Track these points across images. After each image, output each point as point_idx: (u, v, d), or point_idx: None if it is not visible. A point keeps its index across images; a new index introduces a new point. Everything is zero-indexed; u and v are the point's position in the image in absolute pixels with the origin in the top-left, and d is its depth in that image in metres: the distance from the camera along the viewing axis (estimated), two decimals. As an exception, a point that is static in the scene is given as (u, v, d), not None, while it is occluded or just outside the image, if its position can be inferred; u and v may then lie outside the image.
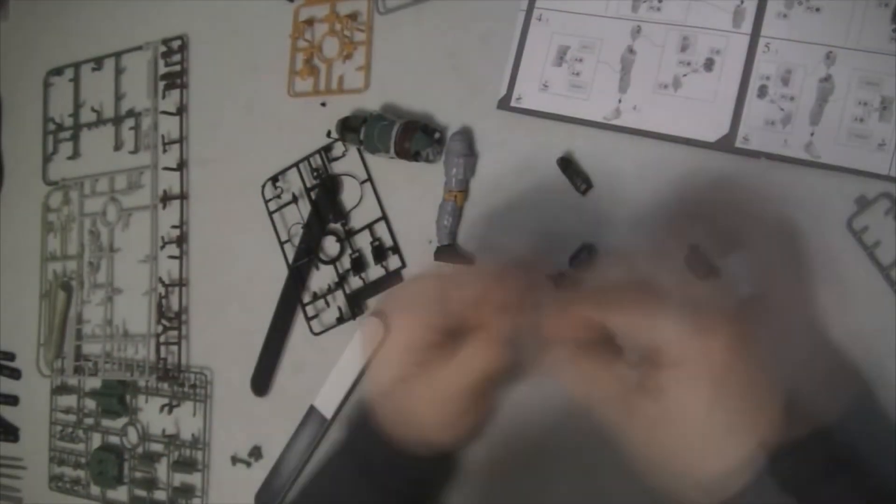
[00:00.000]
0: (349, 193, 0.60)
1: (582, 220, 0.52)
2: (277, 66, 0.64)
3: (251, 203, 0.64)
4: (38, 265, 0.77)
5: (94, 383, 0.72)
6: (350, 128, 0.58)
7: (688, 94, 0.49)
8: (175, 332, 0.67)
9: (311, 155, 0.62)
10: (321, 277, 0.61)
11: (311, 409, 0.58)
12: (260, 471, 0.62)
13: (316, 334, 0.60)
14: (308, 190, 0.61)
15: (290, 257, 0.62)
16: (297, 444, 0.59)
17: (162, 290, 0.68)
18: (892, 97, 0.43)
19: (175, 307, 0.67)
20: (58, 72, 0.78)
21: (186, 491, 0.66)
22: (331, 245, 0.60)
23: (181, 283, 0.68)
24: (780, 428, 0.35)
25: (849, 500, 0.35)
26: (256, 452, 0.63)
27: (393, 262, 0.58)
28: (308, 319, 0.60)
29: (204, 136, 0.69)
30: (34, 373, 0.76)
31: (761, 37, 0.47)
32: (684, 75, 0.49)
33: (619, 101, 0.51)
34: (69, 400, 0.74)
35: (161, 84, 0.70)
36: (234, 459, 0.64)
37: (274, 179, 0.63)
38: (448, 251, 0.55)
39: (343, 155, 0.61)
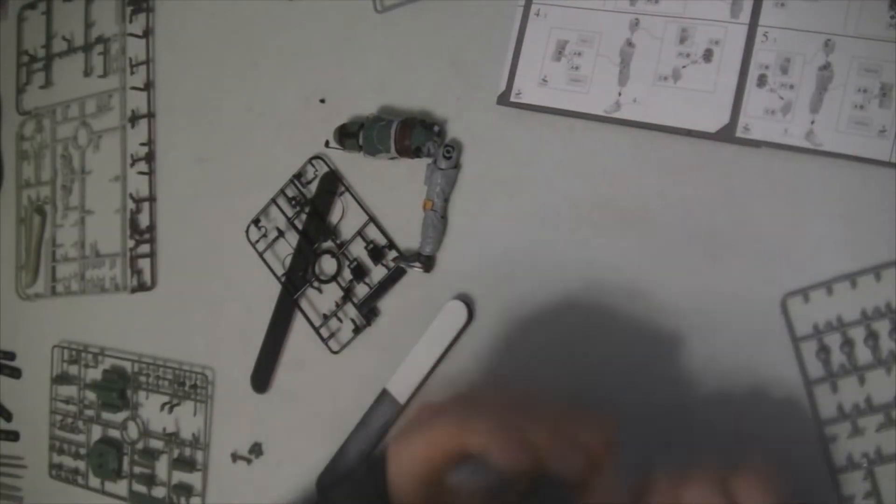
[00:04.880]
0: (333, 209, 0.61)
1: (582, 217, 0.52)
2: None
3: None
4: (14, 193, 0.80)
5: (94, 375, 0.72)
6: (348, 133, 0.58)
7: (687, 85, 0.49)
8: (147, 247, 0.70)
9: (285, 186, 0.62)
10: (327, 297, 0.60)
11: (384, 392, 0.56)
12: (260, 468, 0.62)
13: (335, 352, 0.59)
14: (291, 220, 0.62)
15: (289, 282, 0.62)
16: (368, 426, 0.57)
17: (133, 205, 0.71)
18: (892, 84, 0.43)
19: (145, 223, 0.71)
20: (31, 6, 0.81)
21: (186, 489, 0.66)
22: (329, 264, 0.61)
23: (151, 198, 0.70)
24: None
25: None
26: (257, 449, 0.63)
27: (392, 257, 0.58)
28: (325, 341, 0.59)
29: (169, 56, 0.72)
30: (16, 298, 0.79)
31: (759, 26, 0.47)
32: (683, 67, 0.49)
33: (619, 94, 0.51)
34: (69, 390, 0.74)
35: (129, 10, 0.73)
36: (235, 456, 0.64)
37: (256, 221, 0.63)
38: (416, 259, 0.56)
39: (315, 177, 0.61)
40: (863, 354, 0.43)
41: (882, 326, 0.43)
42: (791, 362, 0.45)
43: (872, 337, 0.43)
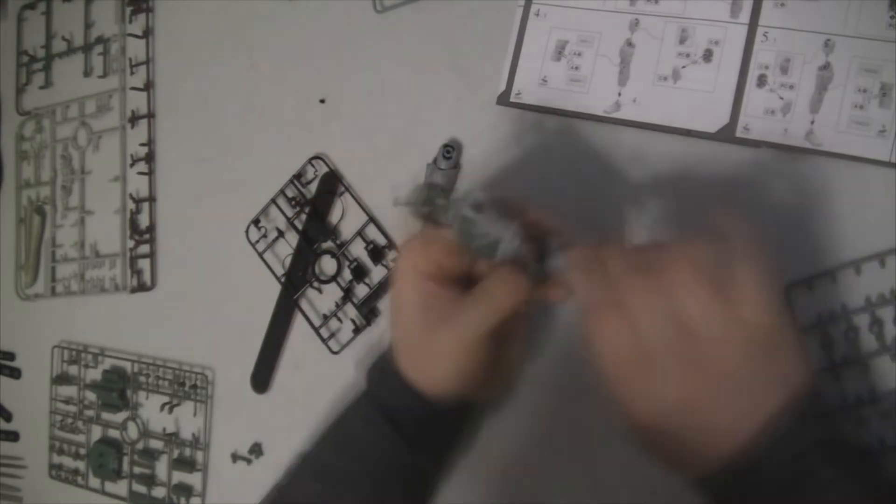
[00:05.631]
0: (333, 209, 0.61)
1: (583, 214, 0.52)
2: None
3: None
4: (14, 193, 0.80)
5: (94, 375, 0.72)
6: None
7: (687, 85, 0.49)
8: (146, 247, 0.70)
9: (285, 186, 0.62)
10: (327, 297, 0.60)
11: None
12: (260, 468, 0.62)
13: (335, 352, 0.59)
14: (290, 220, 0.62)
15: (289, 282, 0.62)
16: None
17: (133, 206, 0.71)
18: (892, 84, 0.43)
19: (145, 223, 0.71)
20: (31, 6, 0.81)
21: (186, 489, 0.66)
22: (329, 264, 0.61)
23: (151, 198, 0.71)
24: (808, 383, 0.35)
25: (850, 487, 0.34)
26: (257, 449, 0.63)
27: (392, 257, 0.58)
28: (325, 341, 0.59)
29: (169, 56, 0.72)
30: (16, 298, 0.79)
31: (759, 26, 0.47)
32: (683, 67, 0.49)
33: (619, 94, 0.51)
34: (69, 391, 0.74)
35: (128, 10, 0.74)
36: (235, 457, 0.64)
37: (256, 221, 0.63)
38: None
39: (315, 177, 0.61)
40: (867, 341, 0.43)
41: (886, 313, 0.43)
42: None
43: (877, 324, 0.43)
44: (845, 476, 0.34)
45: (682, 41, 0.49)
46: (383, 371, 0.44)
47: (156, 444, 0.68)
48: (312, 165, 0.61)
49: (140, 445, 0.69)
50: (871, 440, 0.42)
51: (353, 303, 0.59)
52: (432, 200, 0.43)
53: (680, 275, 0.36)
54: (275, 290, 0.62)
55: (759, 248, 0.36)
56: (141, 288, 0.70)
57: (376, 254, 0.58)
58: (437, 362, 0.42)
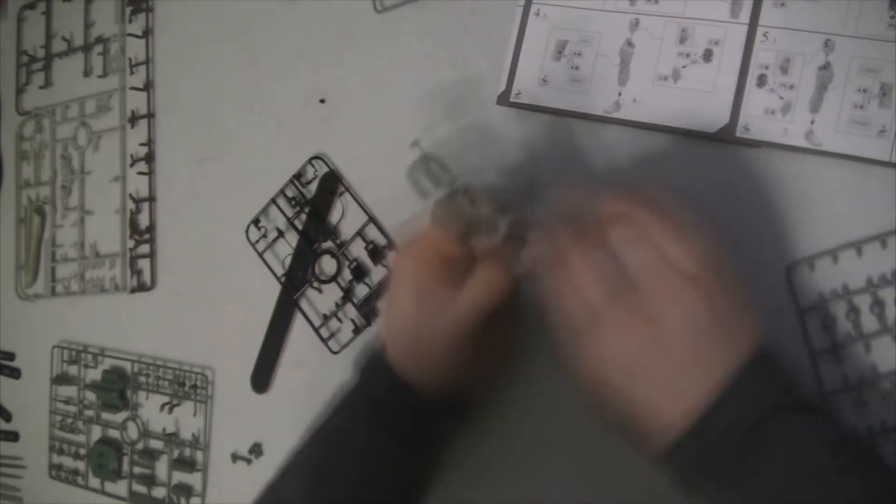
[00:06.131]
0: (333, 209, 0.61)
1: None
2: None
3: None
4: (14, 193, 0.81)
5: (94, 375, 0.72)
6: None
7: (687, 85, 0.49)
8: (146, 247, 0.70)
9: (285, 186, 0.62)
10: (327, 297, 0.60)
11: None
12: (260, 468, 0.62)
13: (335, 353, 0.59)
14: (290, 220, 0.62)
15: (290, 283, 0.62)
16: None
17: (133, 206, 0.71)
18: (892, 84, 0.43)
19: (145, 223, 0.71)
20: (31, 6, 0.81)
21: (186, 489, 0.66)
22: (329, 264, 0.61)
23: (151, 198, 0.70)
24: (756, 340, 0.35)
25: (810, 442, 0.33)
26: (257, 449, 0.63)
27: (392, 257, 0.58)
28: (325, 341, 0.59)
29: (169, 56, 0.72)
30: (16, 298, 0.79)
31: (759, 26, 0.47)
32: (683, 67, 0.49)
33: (619, 94, 0.51)
34: (69, 391, 0.74)
35: (128, 10, 0.74)
36: (235, 457, 0.64)
37: (256, 221, 0.63)
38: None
39: (315, 177, 0.61)
40: (868, 322, 0.43)
41: (887, 294, 0.43)
42: (796, 333, 0.44)
43: (878, 304, 0.43)
44: (810, 442, 0.33)
45: (682, 41, 0.49)
46: (375, 367, 0.45)
47: (156, 444, 0.68)
48: (312, 165, 0.61)
49: (140, 445, 0.69)
50: (871, 421, 0.42)
51: (353, 303, 0.59)
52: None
53: (617, 230, 0.36)
54: (275, 290, 0.62)
55: (684, 208, 0.38)
56: (141, 288, 0.70)
57: (376, 254, 0.58)
58: (426, 357, 0.42)
